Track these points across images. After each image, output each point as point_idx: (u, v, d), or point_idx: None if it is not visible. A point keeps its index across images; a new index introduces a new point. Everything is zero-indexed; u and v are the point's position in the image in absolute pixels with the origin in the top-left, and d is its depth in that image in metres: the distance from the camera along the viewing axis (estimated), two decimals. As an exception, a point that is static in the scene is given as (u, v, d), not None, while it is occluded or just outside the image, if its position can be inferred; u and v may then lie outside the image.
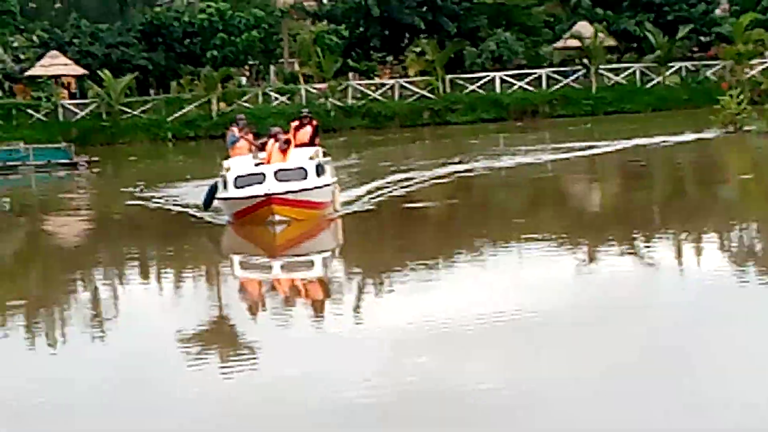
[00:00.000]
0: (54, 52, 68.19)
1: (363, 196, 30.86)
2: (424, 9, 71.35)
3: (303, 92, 67.71)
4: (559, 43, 71.04)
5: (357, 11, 73.03)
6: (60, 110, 65.79)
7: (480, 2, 72.95)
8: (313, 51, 70.64)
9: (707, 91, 61.36)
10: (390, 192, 31.84)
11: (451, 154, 43.74)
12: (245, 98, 67.49)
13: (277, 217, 25.61)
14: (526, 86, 67.91)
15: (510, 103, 66.64)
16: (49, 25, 74.52)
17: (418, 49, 70.10)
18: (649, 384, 12.19)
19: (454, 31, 70.85)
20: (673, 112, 62.46)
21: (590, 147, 43.33)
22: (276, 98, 67.51)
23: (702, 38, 73.80)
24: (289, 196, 25.63)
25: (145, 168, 51.95)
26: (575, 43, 68.48)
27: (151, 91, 73.25)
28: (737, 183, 32.66)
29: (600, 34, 67.77)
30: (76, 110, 66.02)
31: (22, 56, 70.84)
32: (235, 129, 28.78)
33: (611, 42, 70.05)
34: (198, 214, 28.59)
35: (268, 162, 26.81)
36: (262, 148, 27.68)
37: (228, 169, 26.81)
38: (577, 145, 44.20)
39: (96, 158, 51.56)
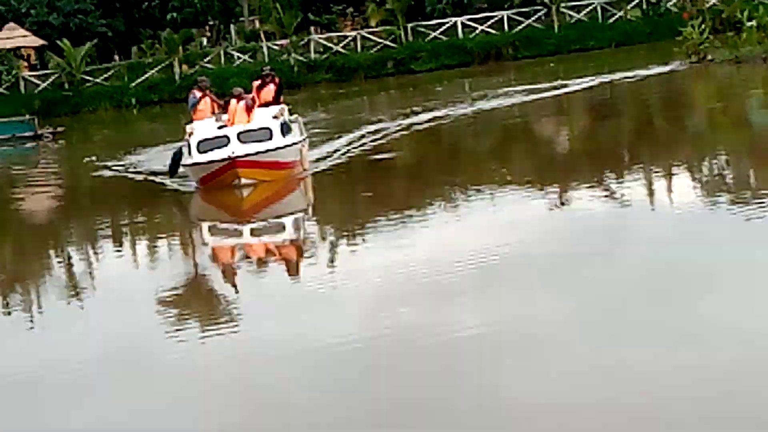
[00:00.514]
0: (11, 24, 67.49)
1: (332, 152, 30.33)
2: (382, -43, 70.78)
3: (265, 49, 67.31)
4: (519, -16, 70.67)
5: (314, -36, 72.48)
6: (21, 83, 65.21)
7: (437, -53, 72.39)
8: (272, 7, 70.08)
9: (669, 22, 61.07)
10: (359, 146, 31.46)
11: (417, 102, 43.59)
12: (207, 59, 67.03)
13: (243, 180, 25.00)
14: (488, 29, 67.64)
15: (473, 48, 66.36)
16: (4, -3, 73.61)
17: (378, -1, 69.72)
18: (642, 319, 12.23)
19: (414, -21, 70.32)
20: (636, 47, 62.29)
21: (555, 87, 43.21)
22: (238, 57, 67.09)
23: (661, -31, 73.58)
24: (254, 158, 24.98)
25: (111, 135, 51.65)
26: (533, -18, 68.14)
27: (116, 57, 72.57)
28: (705, 113, 32.72)
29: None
30: (38, 82, 65.43)
31: (-22, 30, 70.08)
32: (196, 91, 28.10)
33: (569, -21, 69.76)
34: (165, 181, 28.06)
35: (231, 124, 26.15)
36: (225, 108, 27.00)
37: (191, 134, 26.14)
38: (543, 85, 44.05)
39: (61, 129, 51.21)
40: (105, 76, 65.58)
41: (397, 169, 28.43)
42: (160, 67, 65.43)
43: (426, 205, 21.64)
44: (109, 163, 34.88)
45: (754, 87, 38.48)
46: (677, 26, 50.26)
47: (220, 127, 26.18)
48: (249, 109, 26.35)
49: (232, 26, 78.47)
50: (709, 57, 45.21)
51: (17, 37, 66.69)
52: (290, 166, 26.16)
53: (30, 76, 66.00)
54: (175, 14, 71.60)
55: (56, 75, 65.04)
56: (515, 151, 30.07)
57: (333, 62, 66.40)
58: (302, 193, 26.09)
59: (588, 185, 21.73)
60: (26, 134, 50.30)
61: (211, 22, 77.91)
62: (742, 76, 41.18)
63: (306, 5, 73.26)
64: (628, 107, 37.30)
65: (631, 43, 64.21)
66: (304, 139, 27.95)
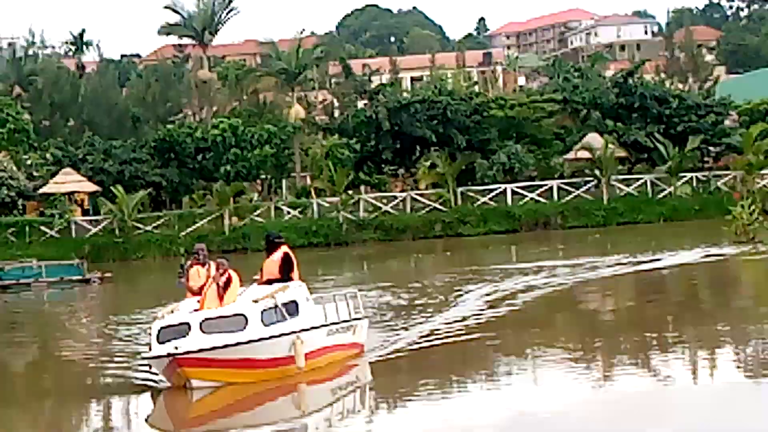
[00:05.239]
0: (67, 169, 68.78)
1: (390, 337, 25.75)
2: (435, 122, 71.81)
3: (315, 206, 67.96)
4: (570, 155, 71.36)
5: (368, 125, 73.54)
6: (73, 227, 66.12)
7: (490, 115, 73.46)
8: (324, 165, 71.17)
9: (719, 201, 61.57)
10: (396, 326, 27.75)
11: (466, 271, 42.69)
12: (257, 213, 67.77)
13: (195, 383, 20.30)
14: (538, 198, 68.13)
15: (521, 215, 66.81)
16: (62, 143, 75.18)
17: (429, 162, 70.47)
18: None
19: (464, 144, 71.21)
20: (685, 223, 62.41)
21: (597, 266, 41.08)
22: (288, 212, 67.80)
23: (712, 149, 74.18)
24: (209, 354, 20.15)
25: (156, 285, 51.48)
26: (586, 154, 68.78)
27: (173, 206, 73.38)
28: (756, 297, 32.32)
29: (610, 146, 68.11)
30: (89, 226, 66.40)
31: (35, 173, 71.45)
32: (189, 262, 23.19)
33: (622, 153, 70.39)
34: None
35: (202, 307, 21.26)
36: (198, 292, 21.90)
37: (160, 317, 21.42)
38: (592, 260, 43.12)
39: (109, 274, 51.71)
40: (156, 224, 66.42)
41: (433, 364, 22.92)
42: (210, 218, 66.29)
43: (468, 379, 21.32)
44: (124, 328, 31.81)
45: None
46: (727, 205, 50.42)
47: (192, 312, 21.35)
48: (224, 290, 21.40)
49: (284, 181, 79.47)
50: (758, 239, 44.99)
51: (72, 182, 67.93)
52: (272, 364, 20.97)
53: (82, 220, 66.94)
54: (228, 167, 72.58)
55: (108, 221, 65.91)
56: (565, 324, 29.69)
57: (381, 222, 66.94)
58: (294, 402, 21.00)
59: (631, 361, 21.47)
60: (74, 278, 50.90)
61: (263, 176, 78.88)
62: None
63: (357, 165, 74.19)
64: (677, 292, 36.11)
65: (679, 219, 64.46)
66: (350, 321, 23.45)
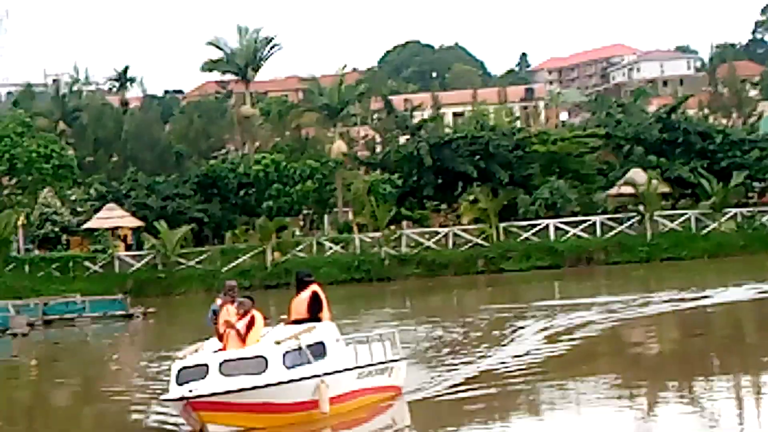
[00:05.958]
0: (111, 205, 69.19)
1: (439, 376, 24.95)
2: (477, 158, 71.74)
3: (357, 241, 67.94)
4: (613, 190, 71.04)
5: (410, 160, 73.61)
6: (116, 262, 66.45)
7: (532, 150, 73.33)
8: (366, 200, 71.12)
9: (764, 237, 61.17)
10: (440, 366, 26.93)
11: (508, 308, 42.13)
12: (299, 248, 67.80)
13: (212, 428, 19.38)
14: (581, 233, 67.80)
15: (564, 251, 66.47)
16: (106, 178, 75.72)
17: (471, 197, 70.36)
18: None
19: (506, 180, 71.05)
20: (729, 259, 61.81)
21: (644, 303, 40.39)
22: (330, 247, 67.79)
23: (757, 184, 73.75)
24: (226, 398, 19.19)
25: (197, 320, 51.44)
26: (629, 189, 68.49)
27: (215, 242, 73.62)
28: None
29: (654, 181, 67.78)
30: (132, 261, 66.72)
31: (79, 209, 71.88)
32: (219, 300, 21.73)
33: (665, 189, 70.02)
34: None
35: (225, 348, 20.44)
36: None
37: (181, 357, 20.59)
38: (638, 297, 42.49)
39: (152, 309, 51.84)
40: (198, 259, 66.59)
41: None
42: (252, 253, 66.37)
43: None
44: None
45: None
46: (772, 241, 49.97)
47: (215, 352, 20.55)
48: (247, 330, 20.46)
49: (326, 216, 79.56)
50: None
51: (115, 217, 68.35)
52: (294, 409, 20.01)
53: (125, 256, 67.28)
54: (270, 203, 72.80)
55: (151, 256, 66.20)
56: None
57: (424, 257, 66.81)
58: None
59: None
60: (118, 313, 51.05)
61: (305, 212, 79.04)
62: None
63: (399, 200, 74.17)
64: (731, 328, 35.16)
65: (724, 255, 63.80)
66: (386, 363, 22.36)
